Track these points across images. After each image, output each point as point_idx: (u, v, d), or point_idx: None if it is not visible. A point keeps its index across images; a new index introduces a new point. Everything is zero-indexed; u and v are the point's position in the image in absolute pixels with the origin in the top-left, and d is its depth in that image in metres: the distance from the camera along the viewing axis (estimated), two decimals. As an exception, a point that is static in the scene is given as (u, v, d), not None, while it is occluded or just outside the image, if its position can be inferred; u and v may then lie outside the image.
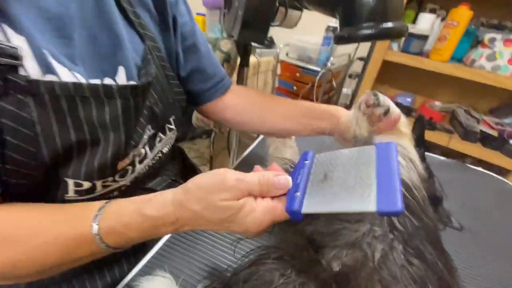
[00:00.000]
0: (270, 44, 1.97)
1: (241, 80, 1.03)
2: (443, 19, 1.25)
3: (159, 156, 0.45)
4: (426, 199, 0.32)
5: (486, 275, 0.41)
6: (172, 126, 0.45)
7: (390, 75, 1.49)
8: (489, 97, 1.34)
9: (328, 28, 1.49)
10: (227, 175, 0.26)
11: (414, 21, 1.31)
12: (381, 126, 0.34)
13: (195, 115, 1.15)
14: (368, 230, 0.28)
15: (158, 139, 0.42)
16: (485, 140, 1.23)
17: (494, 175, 0.68)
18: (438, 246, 0.30)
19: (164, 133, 0.43)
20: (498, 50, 1.09)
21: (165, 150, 0.46)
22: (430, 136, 1.32)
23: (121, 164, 0.35)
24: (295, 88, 1.78)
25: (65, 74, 0.28)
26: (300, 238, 0.29)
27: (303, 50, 1.64)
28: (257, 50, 1.81)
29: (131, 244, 0.29)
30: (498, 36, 1.10)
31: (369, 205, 0.21)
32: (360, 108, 0.33)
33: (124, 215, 0.28)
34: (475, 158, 1.25)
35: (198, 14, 2.20)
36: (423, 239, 0.27)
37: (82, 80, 0.29)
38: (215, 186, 0.26)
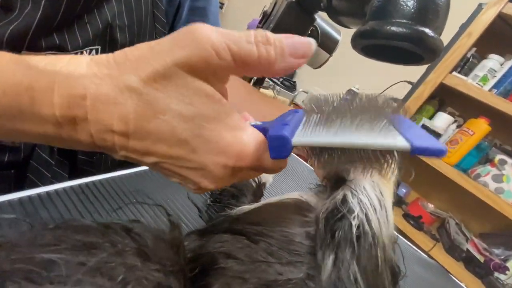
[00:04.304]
0: (292, 87, 2.00)
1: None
2: (458, 126, 1.25)
3: None
4: (388, 265, 0.22)
5: None
6: None
7: (393, 159, 1.45)
8: (484, 219, 1.27)
9: (349, 91, 1.50)
10: (203, 28, 0.14)
11: (431, 117, 1.31)
12: None
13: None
14: (298, 280, 0.18)
15: None
16: (469, 261, 1.12)
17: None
18: None
19: None
20: (506, 174, 1.05)
21: None
22: (414, 235, 1.22)
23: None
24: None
25: None
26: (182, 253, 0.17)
27: (318, 102, 1.63)
28: (277, 88, 1.83)
29: None
30: (510, 160, 1.07)
31: (397, 139, 0.15)
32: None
33: None
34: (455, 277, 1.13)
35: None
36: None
37: None
38: (179, 43, 0.14)
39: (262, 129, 0.19)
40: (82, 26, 0.28)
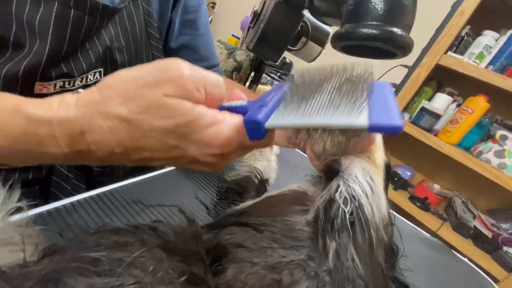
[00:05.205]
0: (289, 81, 2.01)
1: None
2: (458, 105, 1.25)
3: None
4: (381, 244, 0.25)
5: None
6: None
7: (395, 143, 1.46)
8: (490, 195, 1.28)
9: (346, 80, 1.51)
10: (175, 61, 0.18)
11: (430, 99, 1.32)
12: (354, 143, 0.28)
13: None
14: (300, 260, 0.21)
15: None
16: (477, 238, 1.14)
17: (481, 272, 0.59)
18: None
19: None
20: (508, 149, 1.06)
21: None
22: (421, 216, 1.24)
23: (40, 87, 0.29)
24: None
25: None
26: (200, 246, 0.21)
27: (317, 94, 1.65)
28: (275, 83, 1.84)
29: (2, 161, 0.20)
30: (511, 135, 1.07)
31: (359, 118, 0.17)
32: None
33: None
34: (463, 254, 1.15)
35: (233, 36, 2.32)
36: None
37: None
38: (154, 76, 0.17)
39: (246, 109, 0.22)
40: (85, 53, 0.31)
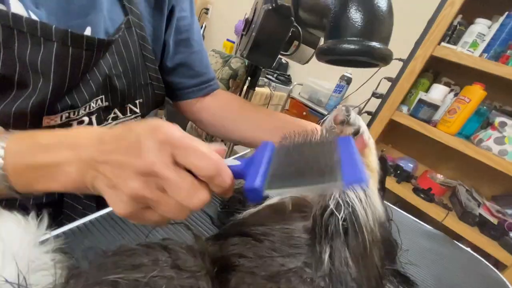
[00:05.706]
0: (287, 81, 2.02)
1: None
2: (456, 95, 1.25)
3: None
4: (376, 245, 0.26)
5: None
6: (137, 110, 0.42)
7: (395, 136, 1.47)
8: (494, 182, 1.28)
9: (342, 77, 1.52)
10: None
11: (427, 90, 1.33)
12: None
13: (190, 123, 1.14)
14: (297, 268, 0.23)
15: (112, 115, 0.39)
16: (483, 225, 1.15)
17: (483, 260, 0.60)
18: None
19: (124, 113, 0.40)
20: (507, 135, 1.06)
21: None
22: (426, 207, 1.24)
23: (47, 121, 0.31)
24: (300, 127, 1.78)
25: (17, 9, 0.26)
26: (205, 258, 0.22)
27: (314, 92, 1.66)
28: (273, 84, 1.86)
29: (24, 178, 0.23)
30: (510, 121, 1.08)
31: (335, 177, 0.20)
32: (328, 125, 0.30)
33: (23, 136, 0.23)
34: (470, 242, 1.16)
35: (228, 40, 2.34)
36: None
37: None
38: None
39: (240, 170, 0.23)
40: (86, 84, 0.33)
